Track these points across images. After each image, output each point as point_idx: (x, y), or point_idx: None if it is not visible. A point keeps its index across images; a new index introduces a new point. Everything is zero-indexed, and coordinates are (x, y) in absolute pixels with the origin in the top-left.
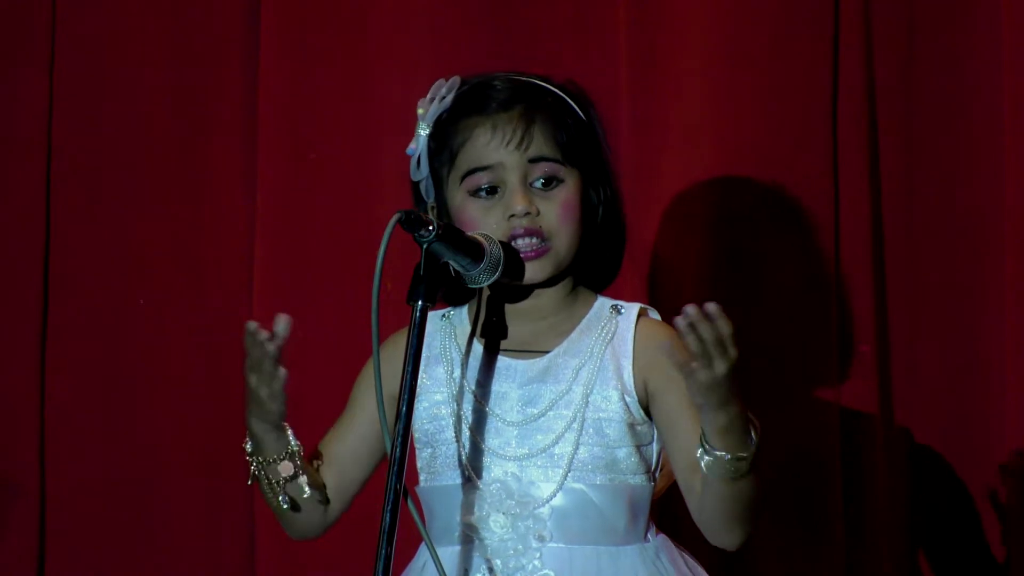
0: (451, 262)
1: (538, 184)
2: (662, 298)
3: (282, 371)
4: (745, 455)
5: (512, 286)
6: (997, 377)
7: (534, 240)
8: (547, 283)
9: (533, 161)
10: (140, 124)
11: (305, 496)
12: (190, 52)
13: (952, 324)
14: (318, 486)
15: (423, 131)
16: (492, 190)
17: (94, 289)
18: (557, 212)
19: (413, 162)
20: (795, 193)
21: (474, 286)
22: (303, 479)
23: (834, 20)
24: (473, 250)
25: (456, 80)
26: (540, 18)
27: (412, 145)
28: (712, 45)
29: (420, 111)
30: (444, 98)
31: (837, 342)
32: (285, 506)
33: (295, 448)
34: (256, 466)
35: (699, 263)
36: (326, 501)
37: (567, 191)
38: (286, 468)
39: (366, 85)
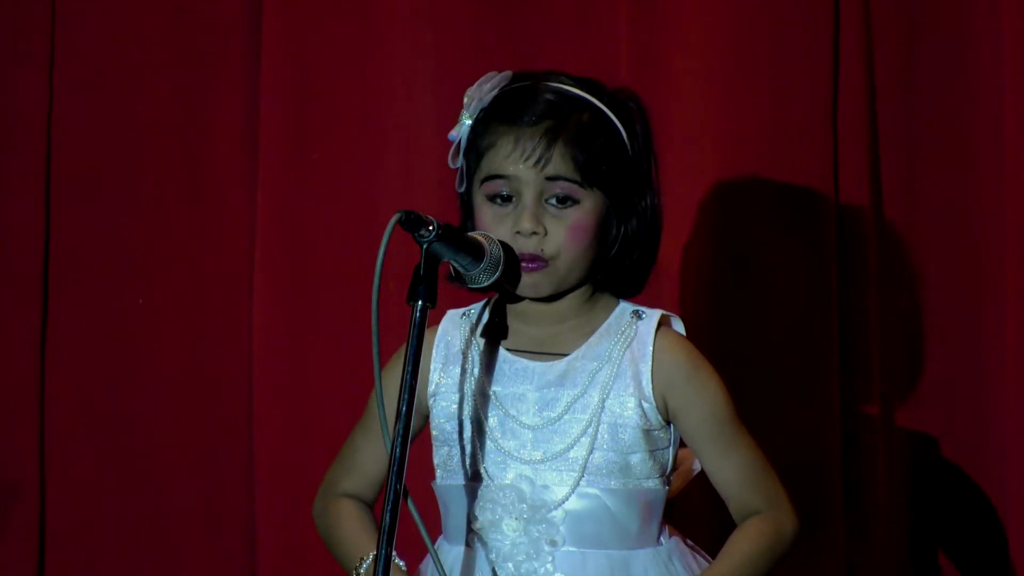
0: (451, 262)
1: (552, 201)
2: (661, 298)
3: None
4: None
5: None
6: (997, 377)
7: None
8: (552, 298)
9: (550, 179)
10: (140, 124)
11: None
12: (190, 52)
13: (952, 323)
14: None
15: (466, 120)
16: (508, 198)
17: (94, 289)
18: (564, 234)
19: (452, 149)
20: (795, 193)
21: (474, 286)
22: None
23: (834, 20)
24: (473, 250)
25: (507, 75)
26: (541, 18)
27: (454, 132)
28: (712, 45)
29: (466, 99)
30: (487, 95)
31: (837, 342)
32: None
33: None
34: None
35: (699, 263)
36: None
37: (580, 213)
38: None
39: (367, 85)
